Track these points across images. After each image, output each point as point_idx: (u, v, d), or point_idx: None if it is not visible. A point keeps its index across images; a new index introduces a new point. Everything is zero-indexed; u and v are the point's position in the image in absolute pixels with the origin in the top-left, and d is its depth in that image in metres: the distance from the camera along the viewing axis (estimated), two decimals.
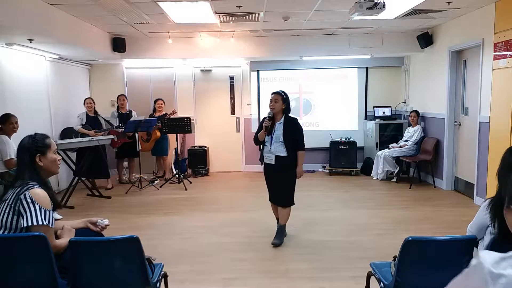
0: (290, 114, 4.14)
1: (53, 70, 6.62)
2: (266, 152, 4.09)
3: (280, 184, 4.10)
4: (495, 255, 0.99)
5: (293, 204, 4.18)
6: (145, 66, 8.03)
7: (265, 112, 8.68)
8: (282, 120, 4.05)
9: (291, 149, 4.02)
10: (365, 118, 8.19)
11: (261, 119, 4.18)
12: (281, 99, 4.02)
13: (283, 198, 4.14)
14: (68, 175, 6.57)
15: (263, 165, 4.22)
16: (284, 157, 4.01)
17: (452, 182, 6.41)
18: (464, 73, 6.08)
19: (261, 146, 4.21)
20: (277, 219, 4.31)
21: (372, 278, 2.52)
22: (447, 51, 6.25)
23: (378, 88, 8.21)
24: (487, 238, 2.27)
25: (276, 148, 4.02)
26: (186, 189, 6.63)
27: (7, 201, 2.17)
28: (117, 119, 6.96)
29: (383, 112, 7.91)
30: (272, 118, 4.05)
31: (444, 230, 4.44)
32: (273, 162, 4.04)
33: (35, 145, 2.29)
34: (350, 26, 6.47)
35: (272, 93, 4.12)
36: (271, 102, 4.06)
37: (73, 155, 6.32)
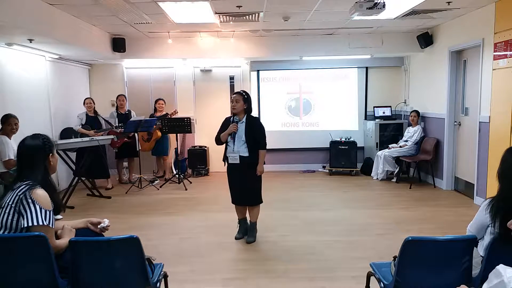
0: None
1: (53, 70, 6.63)
2: (230, 152, 4.11)
3: (247, 183, 4.12)
4: None
5: (261, 202, 4.23)
6: (145, 66, 8.03)
7: (265, 112, 8.62)
8: (244, 119, 4.10)
9: (253, 148, 4.07)
10: (365, 118, 8.19)
11: (223, 120, 4.28)
12: (242, 99, 4.06)
13: (251, 197, 4.17)
14: (68, 175, 6.57)
15: (226, 166, 4.23)
16: (247, 157, 4.06)
17: (452, 182, 6.41)
18: (464, 73, 6.08)
19: (225, 146, 4.22)
20: (242, 219, 4.34)
21: (372, 278, 2.52)
22: (447, 51, 6.25)
23: (378, 88, 8.21)
24: (487, 238, 2.28)
25: (239, 148, 4.07)
26: (186, 189, 6.63)
27: (8, 201, 2.18)
28: (116, 119, 6.97)
29: (383, 112, 7.91)
30: (237, 122, 4.08)
31: (444, 230, 4.44)
32: (238, 162, 4.07)
33: (48, 144, 2.35)
34: (350, 26, 6.47)
35: (234, 94, 4.18)
36: (232, 102, 4.11)
37: (73, 155, 6.32)
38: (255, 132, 4.07)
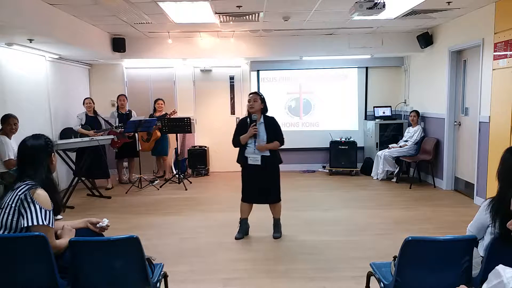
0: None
1: (53, 70, 6.62)
2: (250, 154, 4.12)
3: (268, 182, 4.18)
4: None
5: (280, 200, 4.29)
6: (145, 66, 8.03)
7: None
8: (262, 120, 4.15)
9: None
10: (365, 118, 8.19)
11: (237, 122, 4.34)
12: (259, 99, 4.12)
13: (274, 195, 4.24)
14: (68, 175, 6.57)
15: (243, 167, 4.23)
16: (269, 156, 4.11)
17: (452, 182, 6.41)
18: (464, 73, 6.08)
19: (241, 147, 4.22)
20: (244, 219, 4.35)
21: (372, 278, 2.52)
22: (447, 51, 6.25)
23: (378, 88, 8.21)
24: (487, 238, 2.27)
25: None
26: (186, 189, 6.63)
27: (8, 201, 2.18)
28: (117, 119, 6.96)
29: (383, 112, 7.91)
30: (256, 123, 4.09)
31: (444, 230, 4.44)
32: (259, 163, 4.09)
33: (50, 144, 2.38)
34: (350, 26, 6.47)
35: (250, 94, 4.23)
36: (249, 102, 4.13)
37: (73, 155, 6.32)
38: (275, 131, 4.15)
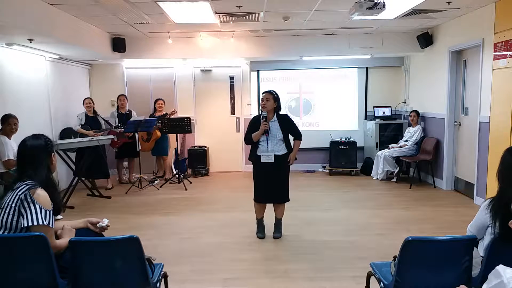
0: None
1: (53, 70, 6.62)
2: (263, 152, 4.12)
3: (278, 181, 4.18)
4: None
5: (289, 200, 4.30)
6: (145, 66, 8.03)
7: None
8: (274, 118, 4.14)
9: (289, 145, 4.18)
10: (365, 118, 8.19)
11: (250, 120, 4.34)
12: (272, 98, 4.10)
13: (282, 195, 4.24)
14: (68, 175, 6.57)
15: (255, 164, 4.23)
16: (283, 155, 4.13)
17: (452, 182, 6.41)
18: (464, 73, 6.08)
19: (253, 145, 4.22)
20: (261, 218, 4.38)
21: (372, 278, 2.52)
22: (447, 51, 6.25)
23: (378, 88, 8.21)
24: (487, 238, 2.27)
25: (274, 146, 4.11)
26: (186, 189, 6.63)
27: (8, 201, 2.18)
28: (117, 119, 6.96)
29: (383, 112, 7.91)
30: (266, 119, 4.09)
31: (444, 230, 4.44)
32: (272, 161, 4.09)
33: (50, 144, 2.38)
34: (350, 26, 6.47)
35: (263, 92, 4.22)
36: (262, 101, 4.14)
37: (73, 155, 6.32)
38: (291, 127, 4.17)
